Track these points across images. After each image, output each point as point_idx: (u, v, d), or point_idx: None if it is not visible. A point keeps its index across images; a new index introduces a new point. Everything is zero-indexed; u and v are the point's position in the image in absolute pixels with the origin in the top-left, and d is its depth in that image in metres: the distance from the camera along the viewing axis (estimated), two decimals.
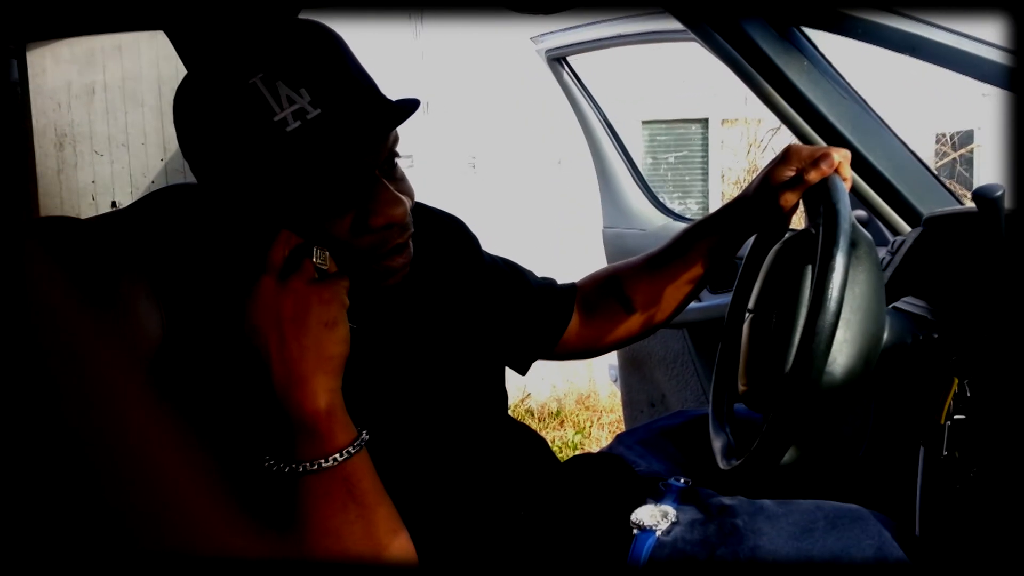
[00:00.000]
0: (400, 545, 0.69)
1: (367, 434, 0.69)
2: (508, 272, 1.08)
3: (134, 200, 0.84)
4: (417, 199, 1.00)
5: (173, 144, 4.64)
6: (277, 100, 0.68)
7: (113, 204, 4.74)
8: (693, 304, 1.97)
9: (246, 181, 0.71)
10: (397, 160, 0.78)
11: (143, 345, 0.68)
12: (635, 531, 0.90)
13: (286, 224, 0.71)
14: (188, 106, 0.73)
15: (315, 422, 0.65)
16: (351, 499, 0.66)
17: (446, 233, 1.00)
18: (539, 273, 1.15)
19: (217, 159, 0.72)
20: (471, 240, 1.03)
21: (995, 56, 1.09)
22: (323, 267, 0.70)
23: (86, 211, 4.68)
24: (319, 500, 0.65)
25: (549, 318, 1.10)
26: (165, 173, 4.71)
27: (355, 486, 0.66)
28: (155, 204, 0.81)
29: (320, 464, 0.65)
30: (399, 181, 0.77)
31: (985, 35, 1.10)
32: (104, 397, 0.60)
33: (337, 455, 0.66)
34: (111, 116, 4.65)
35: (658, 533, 0.89)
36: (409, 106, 0.72)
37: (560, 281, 1.16)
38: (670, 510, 0.92)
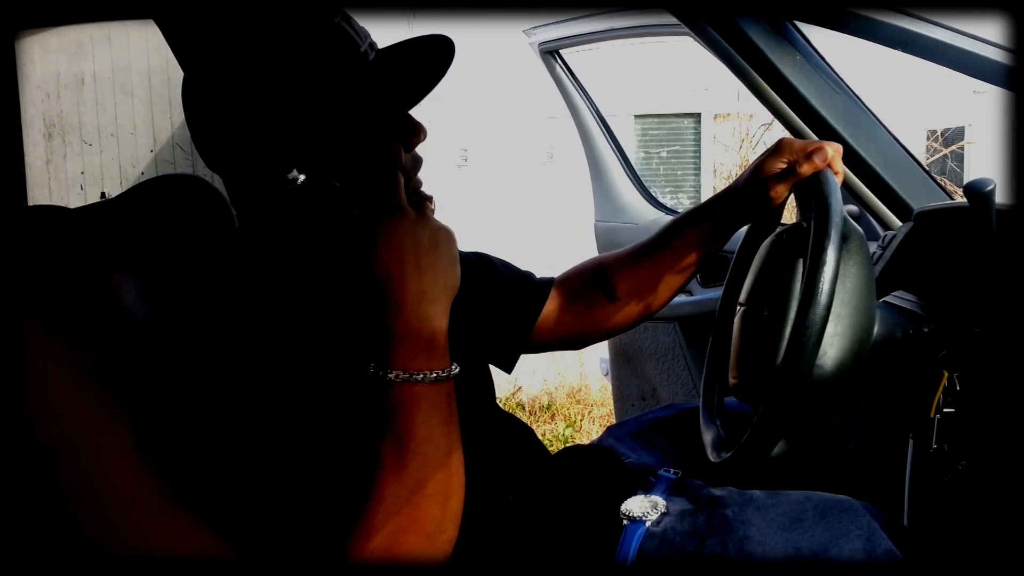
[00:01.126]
0: (462, 463, 0.74)
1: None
2: (477, 263, 1.08)
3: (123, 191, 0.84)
4: None
5: (163, 135, 4.61)
6: (357, 35, 0.78)
7: (102, 195, 4.71)
8: (684, 298, 1.99)
9: (342, 117, 0.76)
10: None
11: (124, 337, 0.68)
12: (625, 522, 0.90)
13: (378, 150, 0.77)
14: (227, 71, 0.74)
15: (439, 338, 0.71)
16: (452, 412, 0.72)
17: None
18: (537, 270, 1.15)
19: (303, 106, 0.75)
20: None
21: (988, 52, 1.09)
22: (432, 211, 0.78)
23: (75, 202, 4.64)
24: (433, 408, 0.70)
25: (521, 305, 1.10)
26: (155, 164, 4.68)
27: (453, 403, 0.73)
28: (145, 194, 0.81)
29: (440, 374, 0.71)
30: None
31: (978, 32, 1.10)
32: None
33: (454, 366, 0.72)
34: (100, 106, 4.61)
35: (648, 524, 0.89)
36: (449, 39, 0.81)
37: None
38: (660, 501, 0.92)
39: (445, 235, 0.73)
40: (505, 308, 1.08)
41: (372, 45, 0.79)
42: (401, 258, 0.70)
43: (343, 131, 0.77)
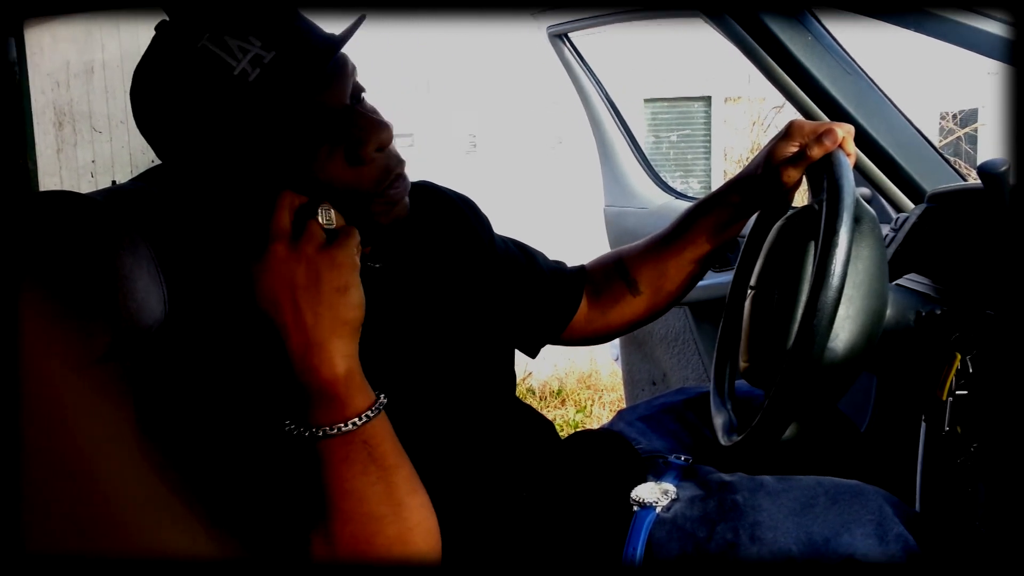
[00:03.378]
0: (421, 503, 0.70)
1: (385, 397, 0.69)
2: (519, 256, 1.08)
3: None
4: (423, 179, 1.00)
5: None
6: (231, 54, 0.67)
7: (113, 183, 4.72)
8: None
9: (227, 148, 0.70)
10: (364, 96, 0.77)
11: (139, 322, 0.68)
12: (635, 508, 0.90)
13: (280, 182, 0.70)
14: (146, 93, 0.72)
15: (333, 388, 0.66)
16: (372, 461, 0.67)
17: (458, 213, 1.00)
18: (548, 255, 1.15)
19: (190, 137, 0.71)
20: (483, 221, 1.03)
21: (1001, 31, 1.08)
22: (330, 226, 0.69)
23: (86, 190, 4.65)
24: (340, 464, 0.67)
25: (559, 303, 1.10)
26: None
27: (375, 448, 0.68)
28: (156, 179, 0.81)
29: (339, 428, 0.66)
30: (373, 114, 0.76)
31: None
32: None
33: (356, 419, 0.67)
34: (110, 95, 4.62)
35: (658, 510, 0.89)
36: (356, 22, 0.72)
37: (567, 263, 1.16)
38: (670, 487, 0.92)
39: (329, 264, 0.66)
40: (542, 303, 1.08)
41: (256, 60, 0.67)
42: (275, 301, 0.65)
43: (225, 160, 0.71)
